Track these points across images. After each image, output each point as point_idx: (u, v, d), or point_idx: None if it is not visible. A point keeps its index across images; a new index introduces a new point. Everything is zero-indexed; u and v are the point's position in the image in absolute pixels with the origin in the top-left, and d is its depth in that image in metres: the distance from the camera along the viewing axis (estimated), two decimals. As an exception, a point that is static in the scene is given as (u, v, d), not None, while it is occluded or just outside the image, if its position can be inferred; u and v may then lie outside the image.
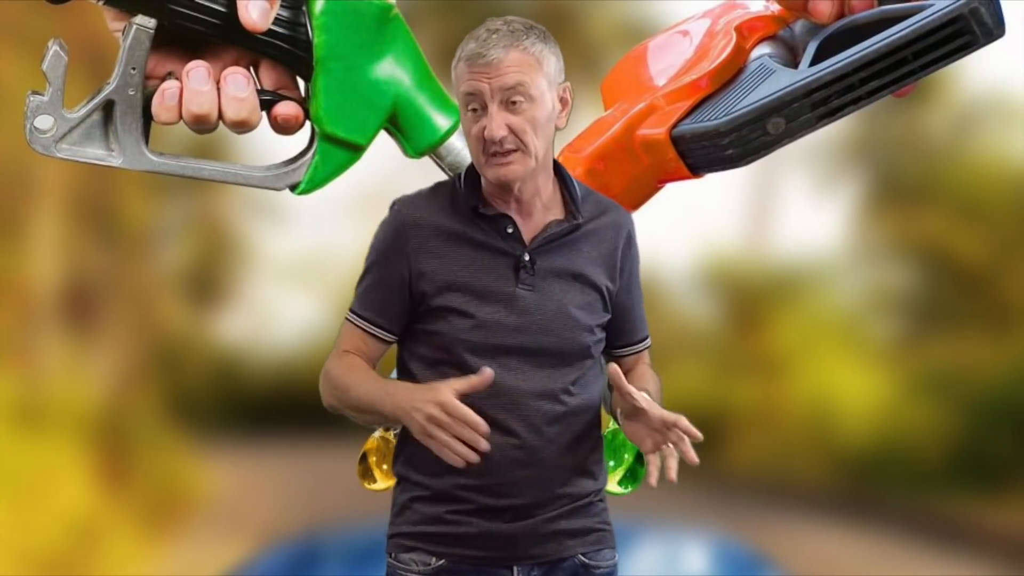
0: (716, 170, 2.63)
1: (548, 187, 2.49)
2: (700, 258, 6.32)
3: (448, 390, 2.33)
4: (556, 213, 2.50)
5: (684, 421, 2.35)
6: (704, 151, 2.59)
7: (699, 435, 2.35)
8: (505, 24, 2.42)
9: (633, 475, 2.73)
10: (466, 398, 2.37)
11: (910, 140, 6.28)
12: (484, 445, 2.31)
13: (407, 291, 2.47)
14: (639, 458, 2.72)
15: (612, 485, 2.72)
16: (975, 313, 6.23)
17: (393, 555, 2.50)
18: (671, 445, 2.35)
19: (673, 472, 2.34)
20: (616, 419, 2.73)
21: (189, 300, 6.05)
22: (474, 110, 2.41)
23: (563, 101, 2.46)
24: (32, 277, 5.61)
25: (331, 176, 2.55)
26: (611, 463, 2.72)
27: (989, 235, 6.20)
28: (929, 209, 6.25)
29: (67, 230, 5.71)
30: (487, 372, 2.35)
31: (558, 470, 2.46)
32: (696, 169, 2.64)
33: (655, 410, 2.36)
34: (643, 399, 2.37)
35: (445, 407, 2.31)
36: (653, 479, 2.35)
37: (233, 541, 5.43)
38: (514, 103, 2.39)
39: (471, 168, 2.46)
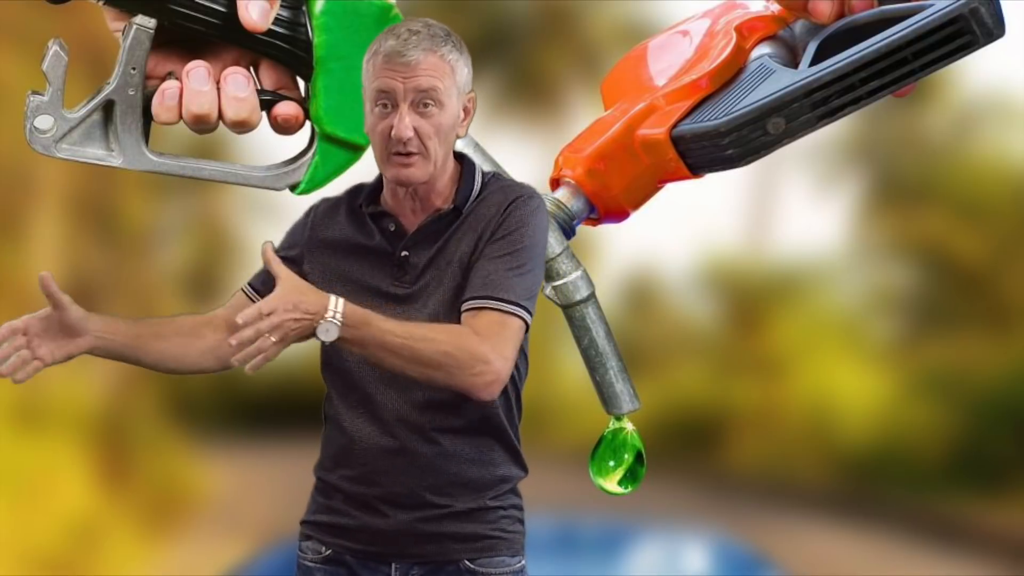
0: (716, 170, 2.63)
1: (444, 182, 2.48)
2: (700, 258, 6.32)
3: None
4: (447, 205, 2.50)
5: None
6: (704, 151, 2.59)
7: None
8: (426, 27, 2.42)
9: (633, 475, 2.72)
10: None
11: (910, 140, 6.27)
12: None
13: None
14: (639, 458, 2.72)
15: (612, 485, 2.72)
16: (975, 313, 6.23)
17: (299, 543, 2.57)
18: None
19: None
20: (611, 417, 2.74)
21: (189, 300, 6.05)
22: (383, 106, 2.41)
23: (466, 110, 2.47)
24: (32, 277, 5.59)
25: (331, 176, 2.55)
26: (611, 463, 2.72)
27: (989, 235, 6.20)
28: (929, 209, 6.24)
29: (67, 230, 5.71)
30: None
31: (431, 459, 2.46)
32: (696, 169, 2.64)
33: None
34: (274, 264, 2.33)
35: None
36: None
37: (233, 541, 5.44)
38: (425, 106, 2.40)
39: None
